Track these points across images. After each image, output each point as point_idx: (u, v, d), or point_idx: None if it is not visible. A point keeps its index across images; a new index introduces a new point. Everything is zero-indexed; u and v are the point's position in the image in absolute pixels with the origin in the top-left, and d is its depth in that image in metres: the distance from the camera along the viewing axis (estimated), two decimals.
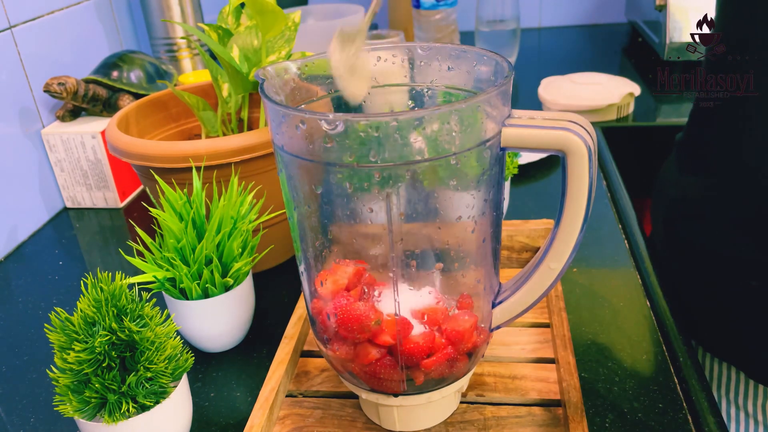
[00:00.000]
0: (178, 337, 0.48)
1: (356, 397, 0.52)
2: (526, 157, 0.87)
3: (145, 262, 0.54)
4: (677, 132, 0.73)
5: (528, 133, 0.40)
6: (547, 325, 0.58)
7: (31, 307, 0.70)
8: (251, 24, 0.66)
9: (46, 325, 0.45)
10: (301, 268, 0.46)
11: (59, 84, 0.80)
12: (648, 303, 0.61)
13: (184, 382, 0.47)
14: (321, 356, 0.56)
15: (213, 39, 0.66)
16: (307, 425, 0.50)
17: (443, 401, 0.48)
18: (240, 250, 0.56)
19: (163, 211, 0.55)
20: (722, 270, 0.63)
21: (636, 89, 0.99)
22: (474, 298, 0.45)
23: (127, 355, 0.44)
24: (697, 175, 0.66)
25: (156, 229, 0.56)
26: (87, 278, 0.45)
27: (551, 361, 0.54)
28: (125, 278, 0.46)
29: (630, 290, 0.63)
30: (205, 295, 0.55)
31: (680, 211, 0.68)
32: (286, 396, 0.53)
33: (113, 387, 0.43)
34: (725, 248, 0.61)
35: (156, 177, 0.58)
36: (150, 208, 0.56)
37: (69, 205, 0.89)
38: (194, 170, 0.57)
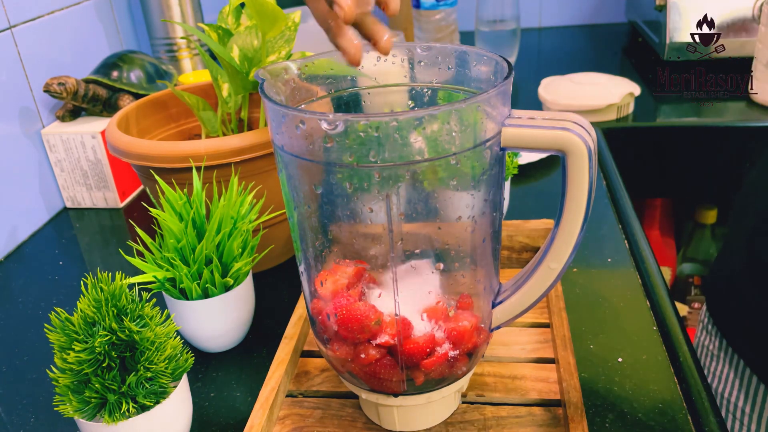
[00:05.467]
0: (178, 337, 0.48)
1: (356, 397, 0.52)
2: (526, 157, 0.87)
3: (145, 262, 0.54)
4: (677, 132, 0.72)
5: (528, 133, 0.40)
6: (547, 325, 0.58)
7: (31, 307, 0.70)
8: (251, 24, 0.66)
9: (46, 325, 0.45)
10: (301, 268, 0.46)
11: (59, 84, 0.80)
12: (648, 303, 0.61)
13: (184, 382, 0.47)
14: (321, 356, 0.56)
15: (213, 39, 0.66)
16: (307, 425, 0.50)
17: (443, 401, 0.48)
18: (240, 250, 0.56)
19: (163, 211, 0.55)
20: None
21: (636, 89, 0.99)
22: (474, 298, 0.45)
23: (127, 355, 0.44)
24: None
25: (156, 229, 0.56)
26: (87, 278, 0.45)
27: (551, 361, 0.54)
28: (125, 278, 0.46)
29: (630, 290, 0.63)
30: (205, 295, 0.55)
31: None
32: (286, 396, 0.53)
33: (113, 387, 0.43)
34: None
35: (156, 177, 0.58)
36: (150, 208, 0.56)
37: (69, 205, 0.89)
38: (194, 170, 0.57)
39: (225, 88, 0.70)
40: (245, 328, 0.60)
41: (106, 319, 0.43)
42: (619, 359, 0.54)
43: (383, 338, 0.43)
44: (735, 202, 0.71)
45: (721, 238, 1.27)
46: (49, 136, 0.84)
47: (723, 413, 0.70)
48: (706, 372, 0.73)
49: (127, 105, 0.77)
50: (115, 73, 0.87)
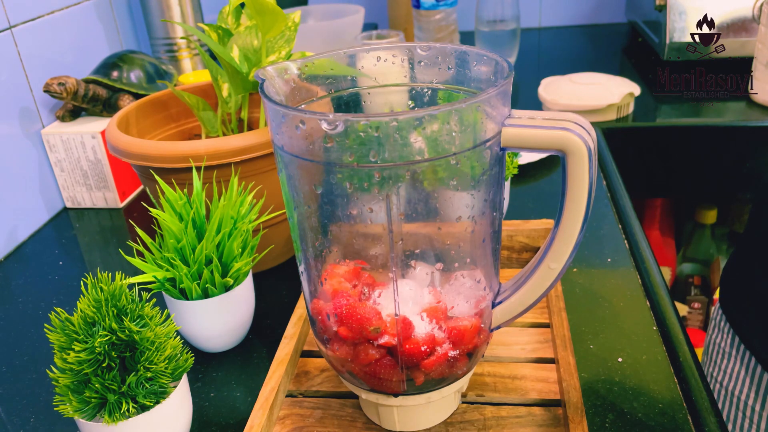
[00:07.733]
0: (178, 337, 0.48)
1: (356, 397, 0.52)
2: (526, 157, 0.87)
3: (145, 262, 0.54)
4: (677, 132, 0.72)
5: (528, 133, 0.40)
6: (547, 325, 0.58)
7: (31, 307, 0.70)
8: (251, 24, 0.66)
9: (46, 325, 0.45)
10: (301, 268, 0.46)
11: (59, 84, 0.80)
12: (648, 303, 0.61)
13: (184, 382, 0.47)
14: (321, 356, 0.56)
15: (213, 39, 0.66)
16: (307, 425, 0.50)
17: (443, 401, 0.48)
18: (240, 250, 0.56)
19: (163, 211, 0.55)
20: None
21: (636, 89, 0.99)
22: (474, 298, 0.45)
23: (127, 355, 0.44)
24: None
25: (156, 229, 0.56)
26: (87, 278, 0.45)
27: (551, 361, 0.54)
28: (125, 278, 0.46)
29: (630, 290, 0.63)
30: (205, 295, 0.55)
31: None
32: (286, 396, 0.53)
33: (113, 387, 0.43)
34: None
35: (156, 177, 0.58)
36: (150, 208, 0.56)
37: (69, 205, 0.89)
38: (194, 170, 0.57)
39: (225, 88, 0.70)
40: (245, 328, 0.60)
41: (106, 319, 0.43)
42: (619, 359, 0.54)
43: (383, 338, 0.43)
44: (753, 200, 0.71)
45: (722, 238, 1.27)
46: (49, 136, 0.84)
47: (733, 411, 0.70)
48: (717, 370, 0.73)
49: (127, 105, 0.78)
50: (115, 73, 0.87)
